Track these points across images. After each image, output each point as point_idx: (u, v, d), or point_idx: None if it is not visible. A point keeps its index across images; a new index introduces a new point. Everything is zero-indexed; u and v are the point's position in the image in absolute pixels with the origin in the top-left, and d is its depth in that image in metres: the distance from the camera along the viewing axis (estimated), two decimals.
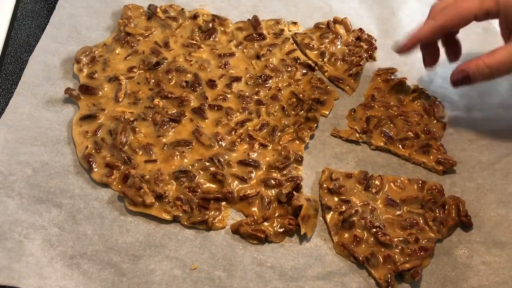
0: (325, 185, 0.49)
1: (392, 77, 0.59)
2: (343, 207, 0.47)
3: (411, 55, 0.55)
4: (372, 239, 0.45)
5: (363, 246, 0.45)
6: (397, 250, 0.45)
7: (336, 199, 0.48)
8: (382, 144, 0.53)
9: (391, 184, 0.50)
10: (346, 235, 0.46)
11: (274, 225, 0.46)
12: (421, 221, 0.47)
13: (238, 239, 0.46)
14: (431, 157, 0.52)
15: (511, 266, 0.46)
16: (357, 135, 0.54)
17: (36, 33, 0.60)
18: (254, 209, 0.48)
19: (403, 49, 0.51)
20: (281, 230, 0.46)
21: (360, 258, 0.44)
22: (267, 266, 0.44)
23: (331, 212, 0.47)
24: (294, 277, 0.44)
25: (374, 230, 0.45)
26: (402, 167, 0.53)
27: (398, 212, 0.48)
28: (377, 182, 0.49)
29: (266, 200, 0.48)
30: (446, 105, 0.57)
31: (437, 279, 0.45)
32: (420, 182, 0.50)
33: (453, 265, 0.46)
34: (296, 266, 0.45)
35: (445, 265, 0.46)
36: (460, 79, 0.48)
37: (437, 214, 0.47)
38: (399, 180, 0.50)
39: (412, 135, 0.54)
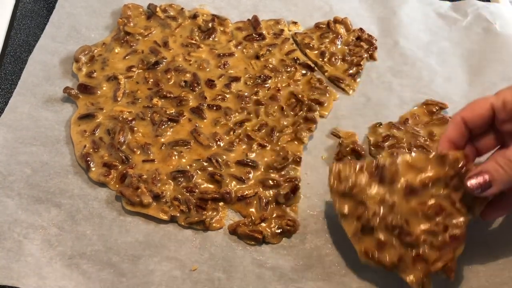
0: (335, 188, 0.43)
1: (437, 110, 0.55)
2: (359, 211, 0.42)
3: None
4: (396, 241, 0.41)
5: (389, 250, 0.41)
6: (426, 246, 0.40)
7: (350, 202, 0.42)
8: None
9: (407, 166, 0.41)
10: (369, 242, 0.41)
11: (272, 226, 0.46)
12: (447, 204, 0.41)
13: (237, 240, 0.46)
14: None
15: (511, 267, 0.46)
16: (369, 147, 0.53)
17: (36, 33, 0.60)
18: (252, 209, 0.47)
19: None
20: (279, 231, 0.46)
21: (388, 265, 0.40)
22: (267, 267, 0.44)
23: (348, 220, 0.42)
24: (294, 278, 0.44)
25: (397, 231, 0.40)
26: None
27: (420, 200, 0.41)
28: (392, 168, 0.41)
29: (264, 200, 0.48)
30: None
31: (437, 280, 0.44)
32: (440, 156, 0.41)
33: None
34: (296, 267, 0.45)
35: None
36: (482, 186, 0.39)
37: (464, 192, 0.41)
38: (416, 158, 0.42)
39: None
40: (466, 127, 0.42)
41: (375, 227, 0.41)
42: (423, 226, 0.40)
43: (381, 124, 0.54)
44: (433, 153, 0.42)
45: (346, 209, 0.42)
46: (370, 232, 0.41)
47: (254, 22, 0.62)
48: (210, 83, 0.56)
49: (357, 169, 0.43)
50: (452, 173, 0.41)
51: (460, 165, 0.41)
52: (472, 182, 0.39)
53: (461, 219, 0.41)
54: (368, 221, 0.41)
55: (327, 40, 0.62)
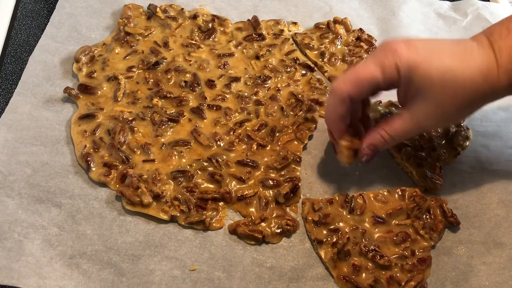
0: (310, 218, 0.47)
1: None
2: (334, 237, 0.45)
3: None
4: (370, 264, 0.44)
5: (364, 273, 0.44)
6: (397, 269, 0.44)
7: (324, 231, 0.46)
8: None
9: (373, 200, 0.48)
10: (345, 266, 0.44)
11: (272, 225, 0.46)
12: (412, 231, 0.46)
13: (237, 239, 0.46)
14: (421, 171, 0.51)
15: (511, 266, 0.46)
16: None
17: (36, 33, 0.60)
18: (252, 209, 0.47)
19: (333, 141, 0.48)
20: (279, 230, 0.46)
21: (365, 287, 0.43)
22: (267, 267, 0.44)
23: (324, 246, 0.45)
24: (294, 277, 0.44)
25: (371, 254, 0.44)
26: (393, 172, 0.52)
27: (387, 228, 0.46)
28: (359, 201, 0.47)
29: (264, 200, 0.48)
30: None
31: (437, 279, 0.45)
32: (400, 191, 0.49)
33: (453, 265, 0.46)
34: (295, 266, 0.45)
35: (445, 265, 0.46)
36: (372, 155, 0.46)
37: (425, 221, 0.47)
38: (380, 194, 0.48)
39: (418, 144, 0.52)
40: (351, 101, 0.43)
41: (350, 251, 0.44)
42: (392, 251, 0.45)
43: (380, 102, 0.55)
44: (395, 189, 0.49)
45: (321, 236, 0.46)
46: (345, 257, 0.44)
47: (254, 23, 0.62)
48: (210, 83, 0.56)
49: (328, 202, 0.48)
50: (412, 205, 0.47)
51: (418, 198, 0.48)
52: (366, 159, 0.46)
53: (425, 244, 0.45)
54: (343, 246, 0.44)
55: (327, 40, 0.62)
